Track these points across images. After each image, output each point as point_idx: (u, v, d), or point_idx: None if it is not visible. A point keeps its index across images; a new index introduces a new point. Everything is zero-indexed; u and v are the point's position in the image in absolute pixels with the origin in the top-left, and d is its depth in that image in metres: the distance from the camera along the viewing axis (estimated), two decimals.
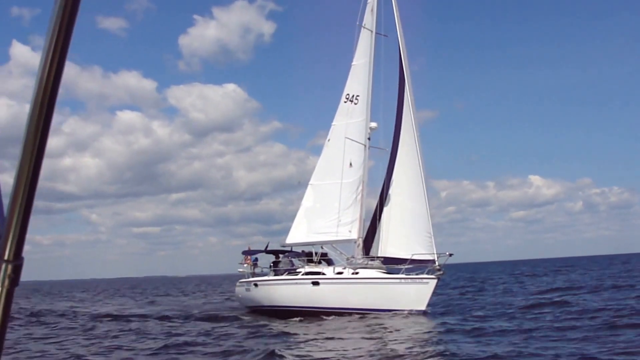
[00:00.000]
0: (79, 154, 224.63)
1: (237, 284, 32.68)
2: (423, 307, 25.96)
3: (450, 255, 27.60)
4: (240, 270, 32.58)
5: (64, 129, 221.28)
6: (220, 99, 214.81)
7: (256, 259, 32.64)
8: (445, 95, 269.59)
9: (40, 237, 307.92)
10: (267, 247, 33.10)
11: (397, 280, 27.09)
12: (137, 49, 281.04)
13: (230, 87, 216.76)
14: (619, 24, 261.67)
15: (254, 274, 31.85)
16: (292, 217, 32.58)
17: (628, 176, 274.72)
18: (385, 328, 22.28)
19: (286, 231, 32.39)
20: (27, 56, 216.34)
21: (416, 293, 26.21)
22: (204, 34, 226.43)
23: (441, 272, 26.87)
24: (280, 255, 32.16)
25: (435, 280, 26.35)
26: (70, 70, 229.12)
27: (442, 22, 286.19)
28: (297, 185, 34.01)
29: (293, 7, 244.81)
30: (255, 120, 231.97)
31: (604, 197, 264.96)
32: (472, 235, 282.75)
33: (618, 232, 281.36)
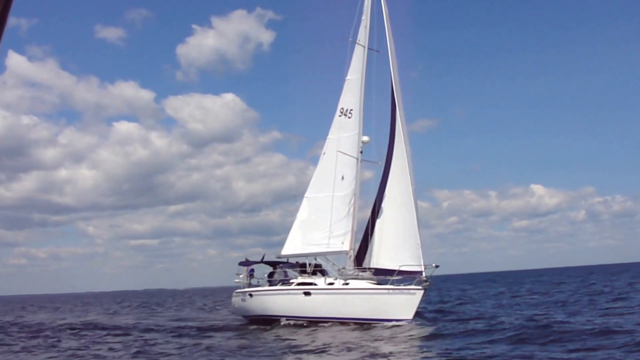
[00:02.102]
0: (76, 166, 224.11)
1: (234, 294, 33.64)
2: (410, 317, 26.98)
3: (437, 267, 28.69)
4: (237, 281, 33.64)
5: (60, 140, 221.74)
6: (218, 109, 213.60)
7: (252, 270, 33.76)
8: (446, 103, 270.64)
9: (35, 250, 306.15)
10: (263, 258, 34.23)
11: (386, 291, 28.06)
12: (135, 59, 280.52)
13: (229, 97, 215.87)
14: (621, 29, 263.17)
15: (250, 285, 32.97)
16: (290, 229, 33.63)
17: (631, 184, 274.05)
18: (373, 337, 23.21)
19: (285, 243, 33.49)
20: (24, 67, 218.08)
21: (404, 303, 27.22)
22: (202, 44, 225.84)
23: (428, 283, 27.93)
24: (277, 267, 33.24)
25: (422, 291, 27.38)
26: (66, 81, 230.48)
27: (441, 30, 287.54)
28: (293, 198, 35.27)
29: (292, 16, 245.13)
30: (254, 131, 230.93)
31: (607, 205, 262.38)
32: (475, 245, 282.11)
33: (622, 240, 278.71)
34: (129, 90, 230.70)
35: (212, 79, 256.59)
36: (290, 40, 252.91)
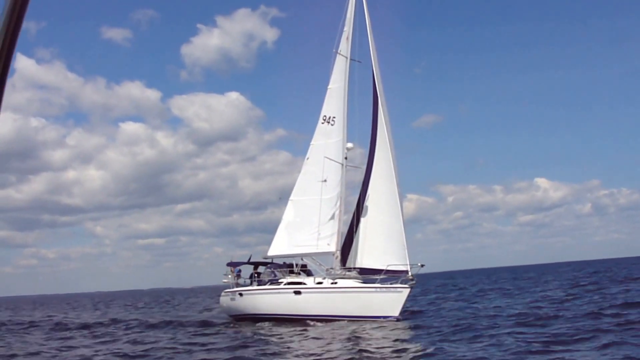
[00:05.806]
0: (84, 167, 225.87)
1: (222, 293, 33.80)
2: (396, 314, 27.61)
3: (422, 266, 29.14)
4: (225, 280, 33.89)
5: (69, 141, 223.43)
6: (223, 108, 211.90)
7: (239, 270, 34.03)
8: (450, 99, 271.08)
9: (45, 250, 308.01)
10: (250, 258, 34.44)
11: (373, 289, 28.56)
12: (140, 59, 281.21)
13: (234, 95, 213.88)
14: (626, 25, 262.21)
15: (237, 284, 33.23)
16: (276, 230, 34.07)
17: (637, 177, 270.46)
18: (361, 333, 23.54)
19: None
20: (32, 69, 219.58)
21: (390, 301, 27.73)
22: (207, 43, 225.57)
23: (414, 282, 28.43)
24: (261, 267, 33.58)
25: (408, 289, 27.93)
26: (73, 83, 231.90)
27: (445, 27, 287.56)
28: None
29: (296, 13, 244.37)
30: (259, 129, 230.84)
31: (613, 198, 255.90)
32: (480, 240, 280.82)
33: (628, 234, 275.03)
34: (135, 91, 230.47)
35: (217, 77, 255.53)
36: (294, 38, 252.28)
